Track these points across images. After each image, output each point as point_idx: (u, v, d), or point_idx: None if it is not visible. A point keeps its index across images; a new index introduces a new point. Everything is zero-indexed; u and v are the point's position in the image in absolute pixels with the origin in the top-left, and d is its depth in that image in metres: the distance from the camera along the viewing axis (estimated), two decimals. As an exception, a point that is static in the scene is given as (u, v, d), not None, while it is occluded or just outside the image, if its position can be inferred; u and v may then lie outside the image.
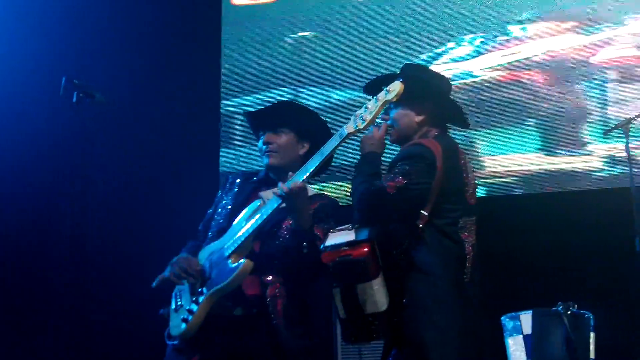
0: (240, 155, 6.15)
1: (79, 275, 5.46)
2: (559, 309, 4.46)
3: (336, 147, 3.12)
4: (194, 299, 3.23)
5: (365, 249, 2.96)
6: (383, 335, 3.08)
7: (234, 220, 3.30)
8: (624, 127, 4.85)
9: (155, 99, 6.15)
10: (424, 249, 3.01)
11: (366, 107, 3.03)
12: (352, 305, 2.98)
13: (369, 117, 3.01)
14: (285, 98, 6.13)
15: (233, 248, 3.19)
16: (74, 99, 4.00)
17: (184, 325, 3.21)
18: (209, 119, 6.25)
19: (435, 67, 5.00)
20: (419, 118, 3.17)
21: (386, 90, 3.01)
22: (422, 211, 3.01)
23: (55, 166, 5.77)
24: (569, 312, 4.45)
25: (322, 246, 3.06)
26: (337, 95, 6.12)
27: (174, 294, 3.36)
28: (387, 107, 3.15)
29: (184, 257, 3.30)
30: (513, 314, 4.64)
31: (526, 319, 4.59)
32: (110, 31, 6.27)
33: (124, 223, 5.96)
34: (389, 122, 3.20)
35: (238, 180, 3.51)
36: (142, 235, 5.79)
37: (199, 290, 3.23)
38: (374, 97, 3.03)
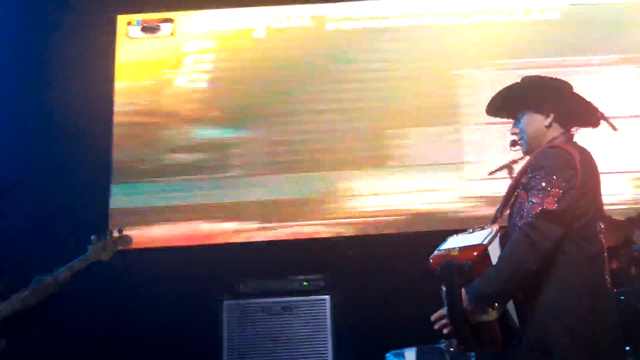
0: (131, 191, 6.03)
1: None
2: (442, 346, 4.51)
3: None
4: None
5: (475, 253, 2.82)
6: (490, 346, 2.85)
7: None
8: (507, 168, 4.96)
9: (48, 131, 6.00)
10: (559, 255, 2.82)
11: None
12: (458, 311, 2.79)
13: None
14: (182, 137, 6.08)
15: None
16: None
17: None
18: (101, 159, 6.10)
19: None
20: (547, 121, 3.10)
21: None
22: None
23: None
24: (451, 349, 4.49)
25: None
26: (239, 132, 6.10)
27: None
28: (515, 119, 3.15)
29: None
30: (397, 351, 4.68)
31: (410, 356, 4.62)
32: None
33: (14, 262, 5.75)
34: (519, 135, 3.13)
35: None
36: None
37: None
38: None
